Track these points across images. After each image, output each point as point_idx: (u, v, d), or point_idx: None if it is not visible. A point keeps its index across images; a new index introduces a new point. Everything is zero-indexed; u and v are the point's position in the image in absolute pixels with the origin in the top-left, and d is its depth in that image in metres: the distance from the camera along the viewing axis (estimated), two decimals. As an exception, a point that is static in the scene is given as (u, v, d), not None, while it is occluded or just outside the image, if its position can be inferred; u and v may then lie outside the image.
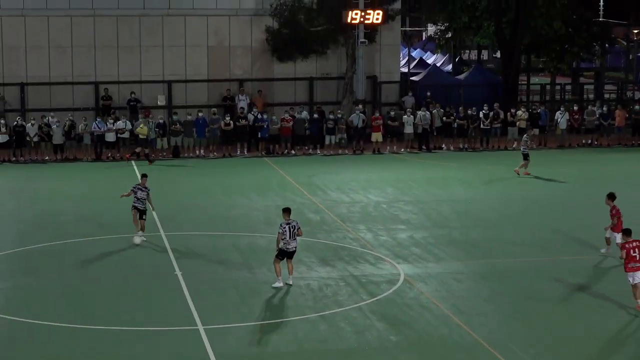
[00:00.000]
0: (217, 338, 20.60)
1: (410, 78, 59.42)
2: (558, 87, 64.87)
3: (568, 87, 66.93)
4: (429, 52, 78.11)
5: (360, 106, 49.35)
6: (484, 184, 39.36)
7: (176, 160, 46.07)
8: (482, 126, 49.35)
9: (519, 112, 49.96)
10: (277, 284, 24.20)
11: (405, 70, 62.34)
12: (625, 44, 73.09)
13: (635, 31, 73.00)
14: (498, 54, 67.94)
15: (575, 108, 52.43)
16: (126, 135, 46.53)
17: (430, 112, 49.21)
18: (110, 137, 46.15)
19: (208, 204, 35.33)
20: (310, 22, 50.99)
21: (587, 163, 44.54)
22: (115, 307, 22.91)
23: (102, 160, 45.80)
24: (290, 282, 24.36)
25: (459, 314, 22.23)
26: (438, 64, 69.67)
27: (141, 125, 45.73)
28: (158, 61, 50.92)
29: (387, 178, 40.79)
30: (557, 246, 28.71)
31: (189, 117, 47.30)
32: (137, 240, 28.73)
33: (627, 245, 22.92)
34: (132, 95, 49.72)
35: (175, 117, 47.39)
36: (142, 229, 29.16)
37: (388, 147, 48.58)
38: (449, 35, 64.92)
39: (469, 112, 49.34)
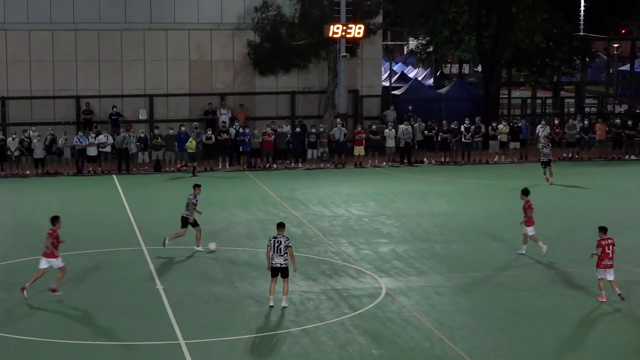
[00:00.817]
0: (199, 353, 20.55)
1: (392, 92, 59.55)
2: (539, 101, 65.07)
3: (549, 101, 67.19)
4: (410, 66, 78.43)
5: (338, 119, 49.35)
6: (465, 198, 39.44)
7: (157, 174, 45.94)
8: (463, 140, 49.45)
9: (500, 126, 50.11)
10: (270, 303, 23.70)
11: (386, 84, 62.47)
12: (605, 58, 73.49)
13: (616, 45, 73.45)
14: (479, 68, 68.21)
15: (556, 122, 52.66)
16: (107, 149, 46.37)
17: (412, 126, 49.28)
18: (92, 151, 46.01)
19: (190, 218, 35.21)
20: (292, 37, 51.03)
21: (568, 177, 44.63)
22: (96, 321, 22.80)
23: (83, 174, 45.66)
24: (284, 305, 23.70)
25: (441, 328, 22.23)
26: (419, 78, 69.91)
27: (190, 139, 45.87)
28: (140, 75, 50.83)
29: (369, 192, 40.82)
30: (540, 259, 28.74)
31: (171, 131, 47.21)
32: (212, 246, 29.28)
33: (602, 242, 24.10)
34: (114, 109, 49.60)
35: (156, 131, 47.32)
36: (196, 239, 29.63)
37: (370, 161, 48.60)
38: (431, 49, 65.13)
39: (451, 125, 49.43)
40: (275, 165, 47.83)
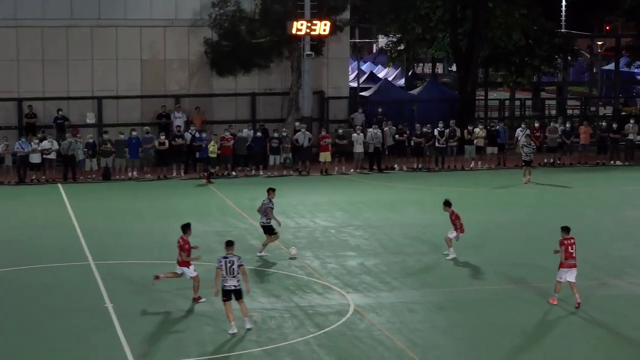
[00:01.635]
0: (151, 376, 20.44)
1: (360, 93, 59.61)
2: (518, 103, 65.44)
3: (528, 103, 67.52)
4: (379, 66, 78.49)
5: (298, 123, 49.35)
6: (439, 207, 39.31)
7: (107, 182, 45.71)
8: (437, 144, 49.58)
9: (477, 130, 50.29)
10: (231, 330, 23.26)
11: (354, 85, 62.52)
12: (588, 56, 74.04)
13: (600, 43, 74.02)
14: (454, 68, 68.45)
15: (537, 125, 52.88)
16: (52, 156, 46.02)
17: (382, 130, 49.34)
18: (35, 158, 45.67)
19: (141, 230, 35.08)
20: (252, 34, 50.97)
21: (550, 184, 44.78)
22: (40, 342, 22.62)
23: (26, 183, 45.32)
24: (249, 326, 23.47)
25: (414, 347, 22.25)
26: (390, 78, 70.03)
27: (212, 143, 46.20)
28: (87, 76, 50.57)
29: (336, 201, 40.82)
30: (516, 274, 28.82)
31: (121, 137, 46.99)
32: (293, 251, 30.98)
33: (565, 242, 25.21)
34: (59, 113, 49.30)
35: (105, 137, 47.07)
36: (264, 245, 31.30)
37: (336, 168, 48.60)
38: (402, 47, 65.28)
39: (424, 129, 49.53)
40: (234, 173, 47.74)
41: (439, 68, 78.39)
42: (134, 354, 21.65)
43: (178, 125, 48.88)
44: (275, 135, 48.49)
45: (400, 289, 27.37)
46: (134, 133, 47.07)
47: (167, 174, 47.04)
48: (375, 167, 49.13)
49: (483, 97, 63.98)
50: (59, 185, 44.57)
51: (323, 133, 49.50)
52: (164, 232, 33.45)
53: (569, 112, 64.81)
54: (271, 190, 31.26)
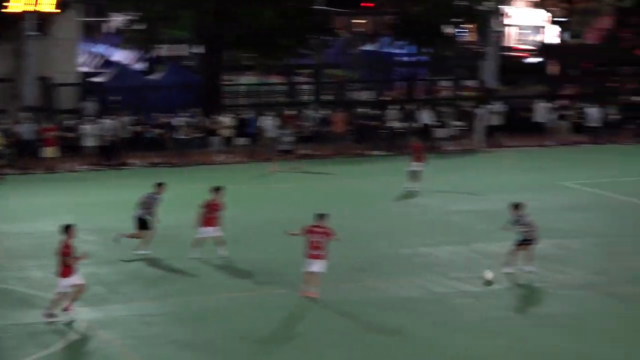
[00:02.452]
0: None
1: (92, 79, 58.91)
2: (267, 88, 65.86)
3: (281, 88, 68.05)
4: (114, 48, 77.76)
5: (25, 114, 48.50)
6: (186, 206, 38.88)
7: None
8: (177, 137, 49.38)
9: (224, 119, 50.46)
10: None
11: (86, 70, 61.80)
12: (348, 36, 75.28)
13: (361, 21, 75.23)
14: (201, 50, 68.38)
15: (288, 113, 53.37)
16: None
17: (117, 121, 48.91)
18: None
19: None
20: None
21: (300, 178, 45.43)
22: None
23: None
24: None
25: (150, 365, 22.23)
26: (126, 63, 69.50)
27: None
28: None
29: (63, 202, 40.32)
30: (261, 278, 29.35)
31: None
32: (489, 275, 29.17)
33: (311, 230, 26.65)
34: None
35: None
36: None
37: (63, 165, 47.88)
38: (140, 27, 64.69)
39: (164, 119, 49.39)
40: None
41: (184, 51, 78.14)
42: None
43: None
44: (-7, 127, 47.47)
45: (135, 299, 27.32)
46: None
47: None
48: (108, 162, 48.62)
49: (231, 83, 64.22)
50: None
51: (48, 125, 48.63)
52: None
53: (326, 98, 65.56)
54: (160, 185, 32.79)
